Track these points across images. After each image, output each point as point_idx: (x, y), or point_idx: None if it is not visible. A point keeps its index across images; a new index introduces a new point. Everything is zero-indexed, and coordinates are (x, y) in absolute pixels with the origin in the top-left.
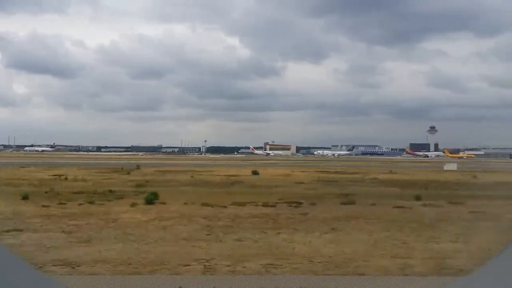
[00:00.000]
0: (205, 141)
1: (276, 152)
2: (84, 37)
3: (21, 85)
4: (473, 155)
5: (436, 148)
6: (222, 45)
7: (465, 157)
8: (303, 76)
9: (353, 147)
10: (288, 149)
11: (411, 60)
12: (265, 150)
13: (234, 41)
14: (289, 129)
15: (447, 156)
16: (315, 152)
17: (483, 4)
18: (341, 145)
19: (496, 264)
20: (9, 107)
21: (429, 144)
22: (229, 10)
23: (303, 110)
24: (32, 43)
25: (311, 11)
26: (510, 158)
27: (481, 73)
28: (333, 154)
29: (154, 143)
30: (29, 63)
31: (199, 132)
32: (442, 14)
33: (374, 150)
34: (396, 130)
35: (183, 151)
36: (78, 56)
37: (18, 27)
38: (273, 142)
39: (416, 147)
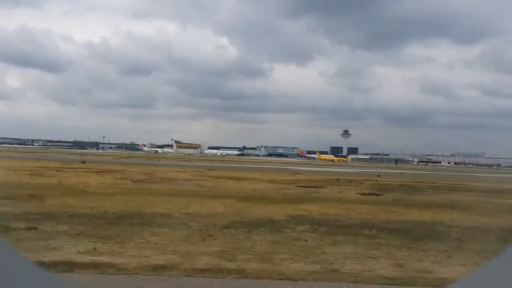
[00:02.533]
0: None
1: (167, 150)
2: (72, 32)
3: (12, 78)
4: (346, 159)
5: (355, 152)
6: (211, 45)
7: (336, 160)
8: (292, 78)
9: (244, 147)
10: (196, 148)
11: (398, 66)
12: (150, 147)
13: (223, 40)
14: (288, 132)
15: (319, 158)
16: (205, 151)
17: (459, 11)
18: (260, 146)
19: (494, 265)
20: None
21: (342, 148)
22: (216, 9)
23: (297, 112)
24: (19, 37)
25: (286, 12)
26: (396, 163)
27: (471, 81)
28: (221, 154)
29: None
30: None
31: (198, 131)
32: (419, 20)
33: (293, 152)
34: (393, 136)
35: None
36: (66, 51)
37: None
38: (172, 139)
39: (334, 150)
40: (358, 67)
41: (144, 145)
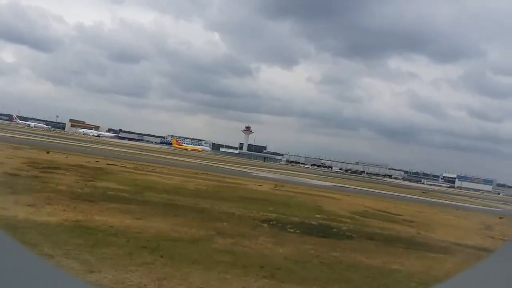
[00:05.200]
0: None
1: (40, 125)
2: (63, 13)
3: (6, 53)
4: (200, 149)
5: (261, 150)
6: (203, 40)
7: (189, 150)
8: (279, 80)
9: (120, 130)
10: (91, 129)
11: (385, 78)
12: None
13: (214, 37)
14: (283, 135)
15: (174, 145)
16: (80, 130)
17: (435, 30)
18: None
19: (489, 264)
20: None
21: (242, 144)
22: (207, 5)
23: (289, 116)
24: (12, 12)
25: (271, 12)
26: (264, 160)
27: (457, 101)
28: (94, 134)
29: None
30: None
31: (194, 127)
32: (397, 34)
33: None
34: (387, 151)
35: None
36: (57, 31)
37: None
38: (57, 116)
39: (242, 146)
40: (343, 76)
41: (17, 117)
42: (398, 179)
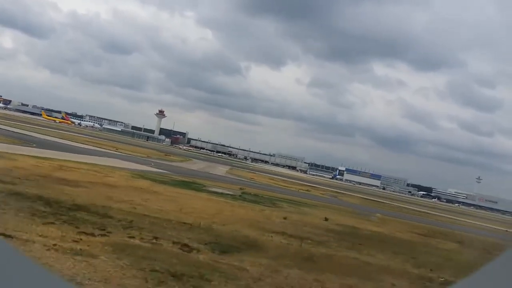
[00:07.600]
0: None
1: None
2: (58, 0)
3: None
4: (70, 123)
5: (169, 133)
6: (196, 37)
7: (58, 122)
8: (269, 80)
9: (9, 101)
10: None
11: (375, 85)
12: None
13: (207, 34)
14: (282, 138)
15: (43, 117)
16: None
17: (414, 37)
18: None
19: (492, 268)
20: None
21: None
22: (200, 2)
23: (285, 119)
24: None
25: (246, 8)
26: (147, 140)
27: (447, 113)
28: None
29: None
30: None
31: (193, 124)
32: (376, 40)
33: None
34: (386, 160)
35: None
36: (52, 18)
37: None
38: None
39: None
40: (332, 80)
41: None
42: (297, 170)
